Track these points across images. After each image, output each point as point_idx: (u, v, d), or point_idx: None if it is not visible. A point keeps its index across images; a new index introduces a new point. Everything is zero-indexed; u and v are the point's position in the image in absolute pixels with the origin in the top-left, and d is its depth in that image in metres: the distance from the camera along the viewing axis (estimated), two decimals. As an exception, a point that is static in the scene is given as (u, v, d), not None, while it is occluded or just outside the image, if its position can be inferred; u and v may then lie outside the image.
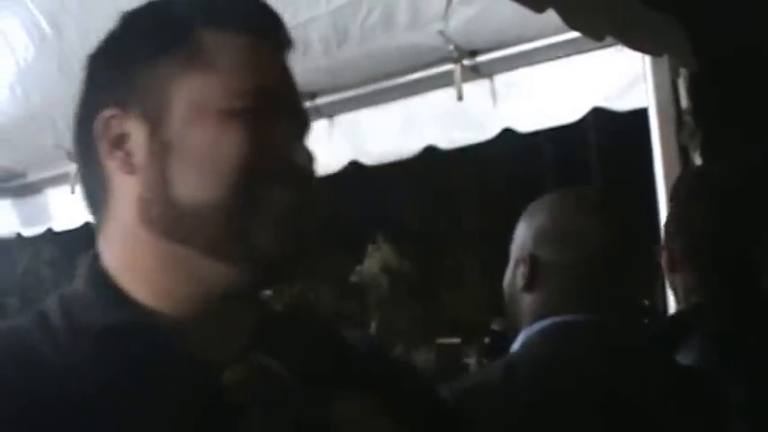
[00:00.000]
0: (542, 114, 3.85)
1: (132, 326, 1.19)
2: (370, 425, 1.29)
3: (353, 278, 56.27)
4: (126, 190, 1.23)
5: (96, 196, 1.29)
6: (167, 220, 1.21)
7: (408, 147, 4.25)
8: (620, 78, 3.67)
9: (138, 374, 1.15)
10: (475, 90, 3.90)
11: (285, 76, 1.35)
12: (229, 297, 1.25)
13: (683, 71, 3.58)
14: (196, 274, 1.23)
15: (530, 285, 2.04)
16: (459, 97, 3.82)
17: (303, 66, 3.99)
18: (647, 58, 3.51)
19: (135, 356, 1.16)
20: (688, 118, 3.52)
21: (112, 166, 1.24)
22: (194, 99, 1.24)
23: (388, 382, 1.37)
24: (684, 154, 3.49)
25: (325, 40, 3.82)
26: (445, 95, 3.97)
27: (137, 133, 1.23)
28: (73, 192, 5.15)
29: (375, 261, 55.20)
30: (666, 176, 3.44)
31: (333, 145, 4.45)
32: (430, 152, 4.23)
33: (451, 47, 3.72)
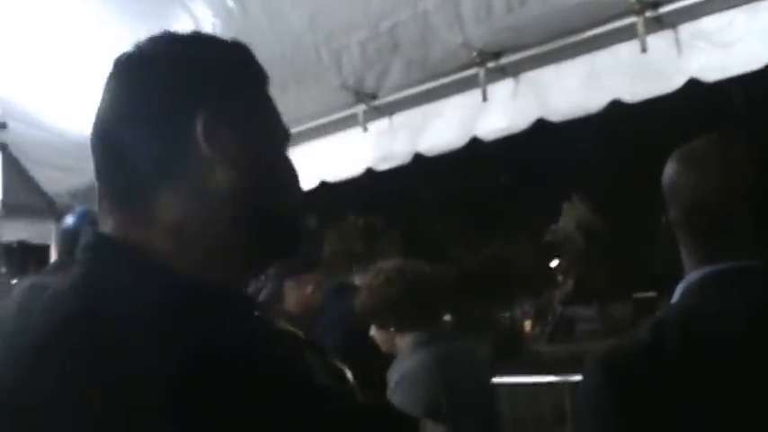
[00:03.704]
0: (728, 62, 3.72)
1: None
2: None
3: (548, 237, 55.91)
4: None
5: None
6: None
7: (594, 102, 4.18)
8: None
9: None
10: (659, 41, 3.83)
11: None
12: None
13: None
14: None
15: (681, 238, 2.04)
16: (643, 49, 3.77)
17: (486, 26, 4.03)
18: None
19: None
20: None
21: None
22: (267, 135, 1.54)
23: None
24: None
25: (508, 0, 3.84)
26: (629, 48, 3.92)
27: None
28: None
29: (570, 219, 54.73)
30: None
31: (519, 103, 4.44)
32: (616, 106, 4.17)
33: (633, -1, 3.67)
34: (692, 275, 1.96)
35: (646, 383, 1.80)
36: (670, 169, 2.06)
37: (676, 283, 2.02)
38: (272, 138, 1.52)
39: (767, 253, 1.92)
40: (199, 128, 1.38)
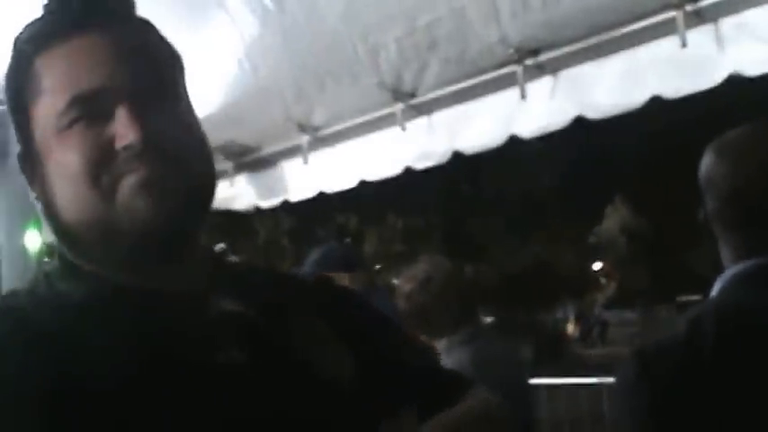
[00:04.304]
0: (772, 56, 3.69)
1: None
2: (320, 342, 1.49)
3: (592, 239, 55.65)
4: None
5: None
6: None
7: (633, 98, 4.13)
8: None
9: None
10: (699, 36, 3.77)
11: (116, 60, 1.37)
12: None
13: None
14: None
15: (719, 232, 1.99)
16: (683, 44, 3.73)
17: (523, 22, 4.01)
18: None
19: None
20: None
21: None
22: (41, 127, 1.40)
23: (326, 306, 1.58)
24: None
25: (544, -5, 3.82)
26: (669, 43, 3.86)
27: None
28: (306, 162, 5.28)
29: (613, 222, 54.41)
30: None
31: (557, 101, 4.39)
32: (655, 103, 4.12)
33: (672, -8, 3.62)
34: (730, 270, 1.93)
35: (681, 379, 1.78)
36: (706, 161, 2.03)
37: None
38: (44, 124, 1.41)
39: None
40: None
